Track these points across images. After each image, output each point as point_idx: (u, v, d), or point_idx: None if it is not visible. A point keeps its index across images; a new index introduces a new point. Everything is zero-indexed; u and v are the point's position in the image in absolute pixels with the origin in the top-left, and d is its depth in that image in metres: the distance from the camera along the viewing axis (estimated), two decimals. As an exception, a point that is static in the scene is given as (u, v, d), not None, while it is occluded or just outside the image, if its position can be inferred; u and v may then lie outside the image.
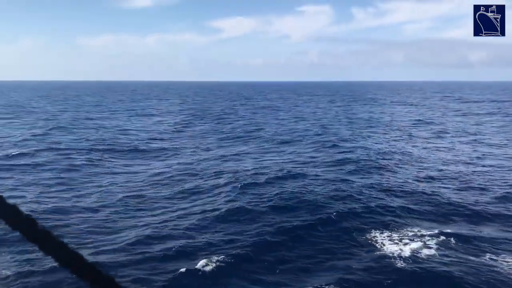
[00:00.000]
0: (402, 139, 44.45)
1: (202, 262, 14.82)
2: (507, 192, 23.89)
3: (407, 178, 27.13)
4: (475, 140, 43.77)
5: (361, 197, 22.76)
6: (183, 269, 14.34)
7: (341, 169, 29.51)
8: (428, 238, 17.12)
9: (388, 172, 28.81)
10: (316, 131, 50.18)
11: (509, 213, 20.72)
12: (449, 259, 15.28)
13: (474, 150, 37.70)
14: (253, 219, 19.51)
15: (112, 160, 34.10)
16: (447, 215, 20.38)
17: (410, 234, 17.68)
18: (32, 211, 19.86)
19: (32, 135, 45.01)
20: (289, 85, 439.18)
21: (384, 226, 18.66)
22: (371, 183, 25.69)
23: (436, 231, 17.75)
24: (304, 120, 65.69)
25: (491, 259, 15.34)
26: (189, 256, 15.57)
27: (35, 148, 37.02)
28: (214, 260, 14.99)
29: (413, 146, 39.87)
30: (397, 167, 30.62)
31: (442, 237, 17.09)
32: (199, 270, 14.39)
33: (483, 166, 31.10)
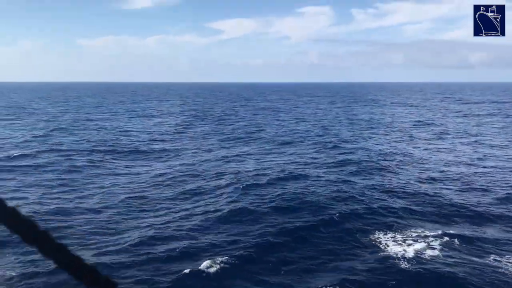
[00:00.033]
0: (403, 140, 44.47)
1: (206, 263, 14.83)
2: (509, 193, 23.89)
3: (409, 179, 27.15)
4: (476, 141, 43.81)
5: (363, 198, 22.77)
6: (187, 270, 14.36)
7: (342, 170, 29.52)
8: (432, 239, 17.13)
9: (390, 173, 28.82)
10: (317, 132, 50.23)
11: (512, 214, 20.74)
12: (453, 260, 15.29)
13: (475, 151, 37.74)
14: (256, 220, 19.53)
15: (114, 161, 34.12)
16: (450, 216, 20.39)
17: (414, 235, 17.69)
18: (34, 212, 19.88)
19: (33, 137, 45.11)
20: (289, 86, 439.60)
21: (387, 227, 18.67)
22: (373, 184, 25.70)
23: (439, 232, 17.76)
24: (305, 121, 65.67)
25: (495, 260, 15.35)
26: (192, 257, 15.58)
27: (37, 150, 37.06)
28: (218, 261, 15.00)
29: (414, 147, 39.90)
30: (399, 168, 30.64)
31: (446, 238, 17.10)
32: (203, 271, 14.40)
33: (484, 167, 31.12)
